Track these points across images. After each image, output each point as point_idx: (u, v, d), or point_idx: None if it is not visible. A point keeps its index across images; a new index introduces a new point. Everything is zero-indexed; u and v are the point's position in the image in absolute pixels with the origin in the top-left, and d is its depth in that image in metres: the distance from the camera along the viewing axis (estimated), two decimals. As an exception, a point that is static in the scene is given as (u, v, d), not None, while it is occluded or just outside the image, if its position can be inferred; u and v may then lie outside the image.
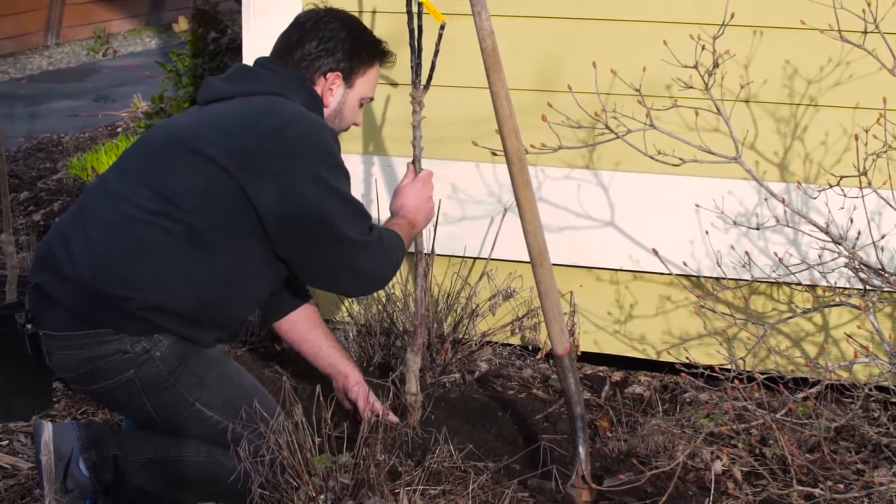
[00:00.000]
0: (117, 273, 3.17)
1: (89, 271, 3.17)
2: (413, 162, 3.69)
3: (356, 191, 4.41)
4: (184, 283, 3.21)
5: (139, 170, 3.29)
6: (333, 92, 3.51)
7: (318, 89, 3.49)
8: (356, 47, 3.52)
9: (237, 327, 3.58)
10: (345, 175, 3.36)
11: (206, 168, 3.21)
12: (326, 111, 3.51)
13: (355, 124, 3.65)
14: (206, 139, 3.25)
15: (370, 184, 4.50)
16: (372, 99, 3.67)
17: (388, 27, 4.09)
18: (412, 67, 3.66)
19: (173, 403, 3.26)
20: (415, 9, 3.63)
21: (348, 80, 3.52)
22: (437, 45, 3.62)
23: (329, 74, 3.49)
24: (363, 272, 3.39)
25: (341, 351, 3.85)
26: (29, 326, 3.28)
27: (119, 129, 8.49)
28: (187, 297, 3.22)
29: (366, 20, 4.28)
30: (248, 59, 4.50)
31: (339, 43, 3.49)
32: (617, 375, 4.45)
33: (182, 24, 6.81)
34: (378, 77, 3.63)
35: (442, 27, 3.58)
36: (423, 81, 3.68)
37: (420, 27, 3.63)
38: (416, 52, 3.66)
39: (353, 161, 4.47)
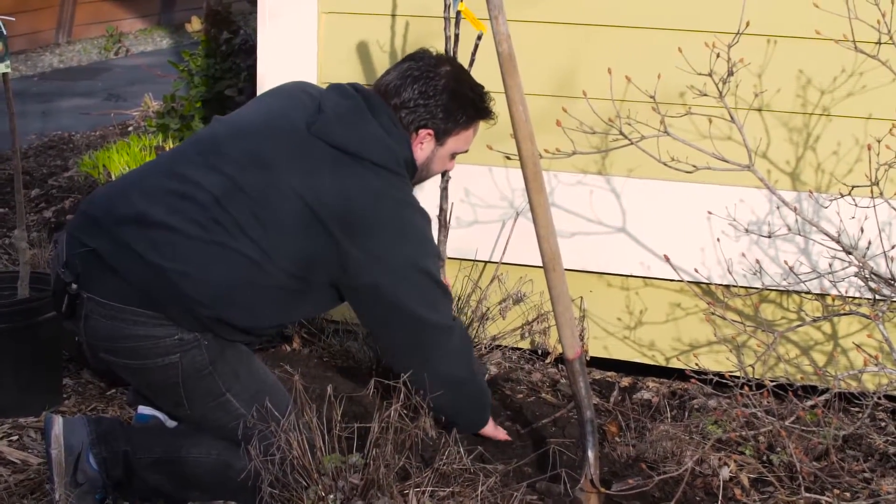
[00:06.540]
0: (206, 285, 3.18)
1: (178, 270, 3.15)
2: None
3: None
4: (269, 311, 3.30)
5: (236, 182, 3.20)
6: (423, 147, 3.41)
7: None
8: (455, 109, 3.39)
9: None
10: (436, 262, 3.45)
11: (314, 230, 3.20)
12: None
13: (446, 170, 3.66)
14: (326, 207, 3.20)
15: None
16: (466, 151, 3.54)
17: (420, 32, 4.11)
18: None
19: (206, 391, 3.27)
20: (452, 14, 3.58)
21: (440, 139, 3.42)
22: (473, 54, 3.58)
23: (421, 131, 3.38)
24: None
25: None
26: (74, 286, 3.20)
27: (130, 129, 8.50)
28: (265, 321, 3.34)
29: (399, 25, 4.30)
30: (263, 62, 4.53)
31: (439, 102, 3.37)
32: (625, 381, 4.46)
33: (195, 25, 6.82)
34: (475, 133, 3.52)
35: (479, 37, 3.53)
36: None
37: (457, 35, 3.58)
38: None
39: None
